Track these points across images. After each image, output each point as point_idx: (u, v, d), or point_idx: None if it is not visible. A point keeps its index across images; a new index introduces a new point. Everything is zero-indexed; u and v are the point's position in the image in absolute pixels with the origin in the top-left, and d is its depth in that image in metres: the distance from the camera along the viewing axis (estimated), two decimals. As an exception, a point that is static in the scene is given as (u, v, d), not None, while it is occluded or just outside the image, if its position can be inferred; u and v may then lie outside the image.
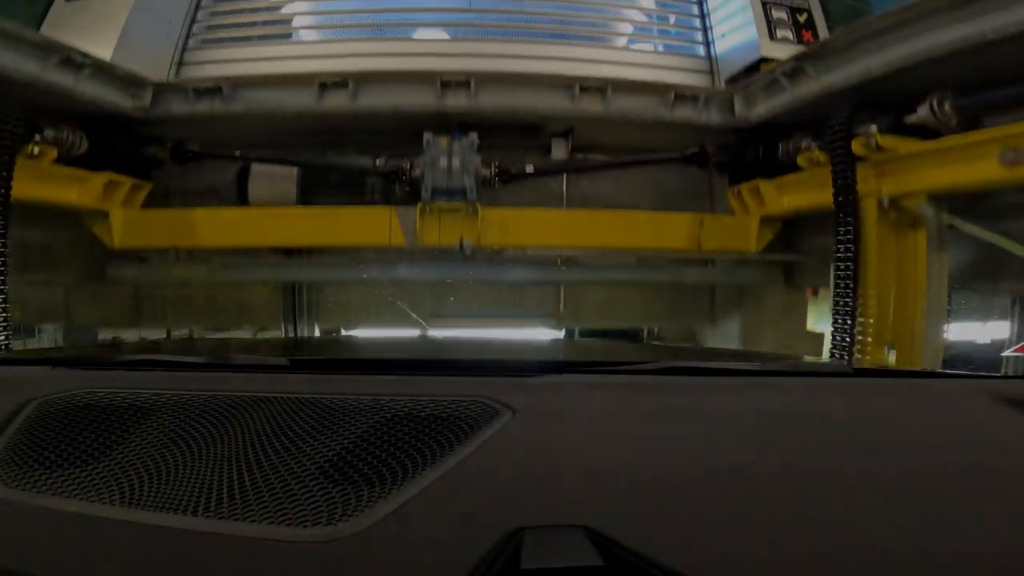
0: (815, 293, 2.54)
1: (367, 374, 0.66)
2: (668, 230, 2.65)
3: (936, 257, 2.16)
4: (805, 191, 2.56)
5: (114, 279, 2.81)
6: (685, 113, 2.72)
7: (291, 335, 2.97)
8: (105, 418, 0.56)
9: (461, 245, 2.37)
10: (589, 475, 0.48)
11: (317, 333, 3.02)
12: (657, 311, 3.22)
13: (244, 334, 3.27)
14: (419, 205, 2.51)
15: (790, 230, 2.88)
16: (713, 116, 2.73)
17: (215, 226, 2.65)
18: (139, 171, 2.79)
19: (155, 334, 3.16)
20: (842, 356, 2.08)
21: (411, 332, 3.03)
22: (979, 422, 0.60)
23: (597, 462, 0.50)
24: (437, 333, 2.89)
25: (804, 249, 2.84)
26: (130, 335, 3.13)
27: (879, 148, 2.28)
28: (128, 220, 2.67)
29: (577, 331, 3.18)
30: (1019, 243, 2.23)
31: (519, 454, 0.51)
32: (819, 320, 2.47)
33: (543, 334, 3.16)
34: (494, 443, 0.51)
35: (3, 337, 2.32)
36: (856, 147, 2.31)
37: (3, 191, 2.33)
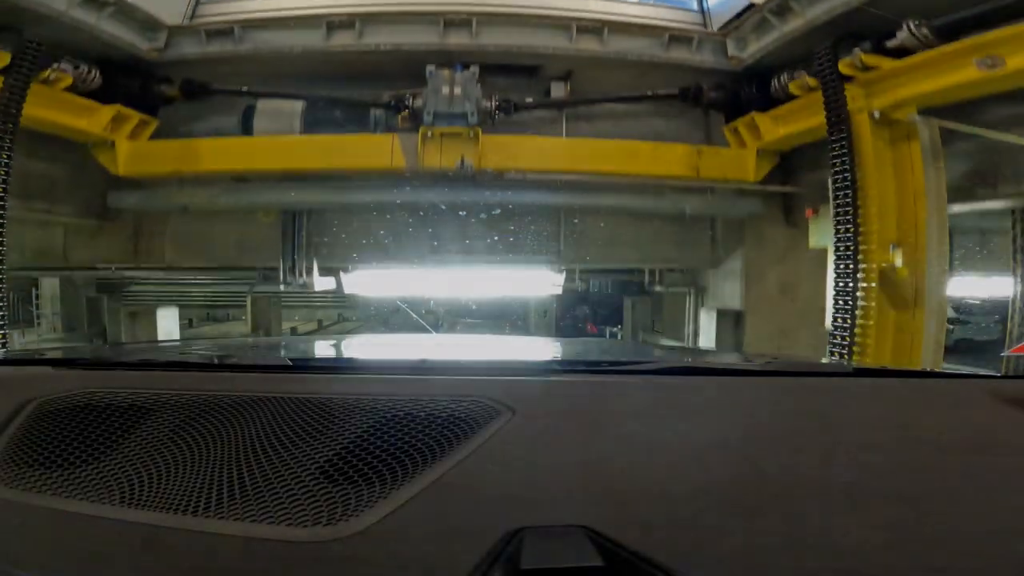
0: (815, 212, 2.62)
1: (367, 374, 0.69)
2: (666, 159, 2.78)
3: (932, 165, 2.28)
4: (799, 118, 2.72)
5: (115, 208, 2.89)
6: (680, 54, 2.91)
7: (289, 273, 3.00)
8: (105, 418, 0.58)
9: (462, 163, 2.48)
10: (589, 475, 0.50)
11: (316, 270, 3.06)
12: (658, 252, 3.29)
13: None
14: (421, 130, 2.63)
15: (787, 167, 3.01)
16: (707, 57, 2.92)
17: (219, 153, 2.78)
18: (148, 109, 2.94)
19: (152, 272, 3.19)
20: (847, 264, 2.14)
21: (410, 271, 3.07)
22: (980, 422, 0.62)
23: (597, 462, 0.52)
24: (439, 288, 2.92)
25: (802, 184, 2.95)
26: (126, 272, 3.17)
27: (865, 67, 2.44)
28: (133, 149, 2.81)
29: (578, 273, 3.22)
30: (1007, 155, 2.34)
31: (519, 454, 0.52)
32: (821, 237, 2.55)
33: (544, 278, 3.20)
34: (494, 443, 0.53)
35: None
36: (843, 67, 2.47)
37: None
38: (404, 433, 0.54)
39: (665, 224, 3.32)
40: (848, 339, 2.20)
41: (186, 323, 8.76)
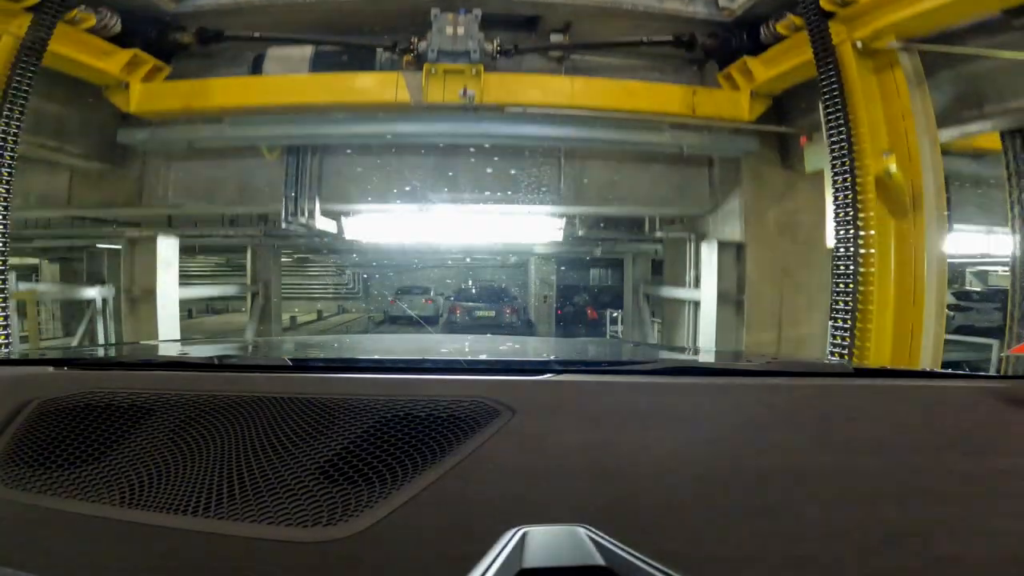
0: (809, 139, 2.77)
1: (367, 374, 0.71)
2: (663, 97, 2.98)
3: (916, 88, 2.44)
4: (788, 57, 2.93)
5: (125, 144, 3.05)
6: (674, 5, 3.13)
7: (291, 213, 3.13)
8: (105, 418, 0.60)
9: (465, 92, 2.65)
10: (589, 475, 0.51)
11: (318, 211, 3.19)
12: (658, 195, 3.43)
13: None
14: (425, 67, 2.81)
15: (780, 111, 3.18)
16: (700, 9, 3.12)
17: (228, 90, 2.97)
18: (162, 58, 3.14)
19: (157, 213, 3.32)
20: (844, 178, 2.27)
21: (411, 215, 3.18)
22: (979, 422, 0.64)
23: (597, 462, 0.53)
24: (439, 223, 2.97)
25: (796, 126, 3.12)
26: (130, 212, 3.30)
27: (844, 2, 2.63)
28: (146, 89, 3.00)
29: (578, 219, 3.35)
30: (988, 79, 2.50)
31: (519, 454, 0.54)
32: (817, 160, 2.69)
33: (543, 224, 3.32)
34: (494, 443, 0.55)
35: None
36: (824, 3, 2.67)
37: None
38: (404, 433, 0.55)
39: (664, 169, 3.49)
40: (851, 250, 2.30)
41: (185, 314, 8.84)
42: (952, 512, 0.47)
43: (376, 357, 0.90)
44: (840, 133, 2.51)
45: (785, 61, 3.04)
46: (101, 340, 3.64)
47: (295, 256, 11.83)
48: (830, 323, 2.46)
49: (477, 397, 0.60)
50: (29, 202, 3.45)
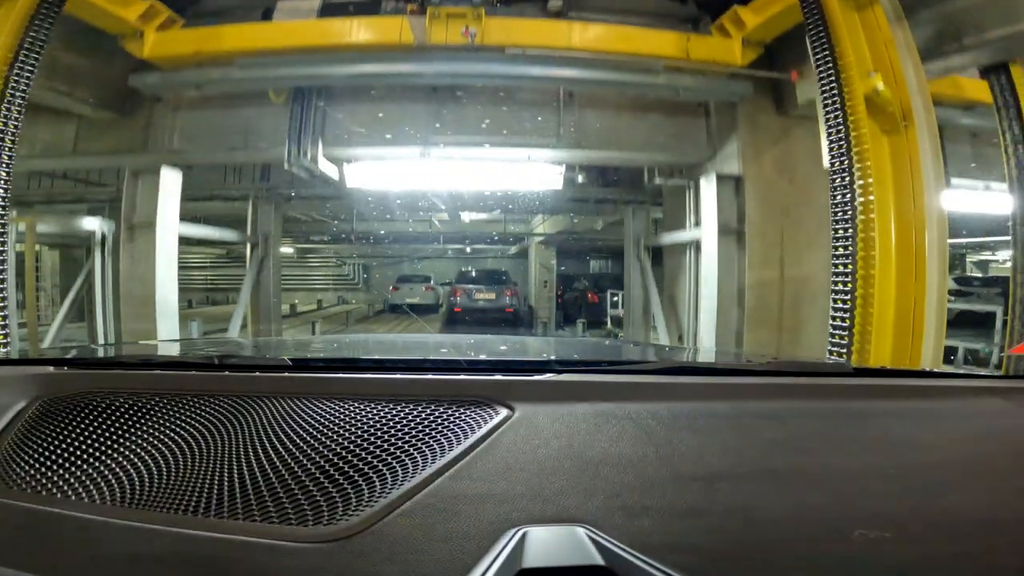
0: (800, 74, 2.90)
1: (367, 374, 0.72)
2: (658, 41, 3.12)
3: (896, 22, 2.57)
4: (776, 1, 3.05)
5: (136, 87, 3.21)
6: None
7: (294, 152, 3.25)
8: (105, 418, 0.61)
9: (466, 31, 2.79)
10: (589, 475, 0.52)
11: (321, 154, 3.31)
12: (656, 142, 3.56)
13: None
14: (429, 10, 2.98)
15: (772, 60, 3.32)
16: (691, -39, 3.31)
17: (238, 35, 3.12)
18: (176, 8, 3.32)
19: (164, 161, 3.44)
20: (831, 90, 2.38)
21: (411, 162, 3.29)
22: (979, 421, 0.65)
23: (597, 462, 0.54)
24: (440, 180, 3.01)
25: (787, 72, 3.27)
26: (134, 160, 3.42)
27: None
28: (160, 37, 3.17)
29: (578, 171, 3.47)
30: (961, 21, 2.63)
31: (519, 454, 0.55)
32: (807, 91, 2.83)
33: (544, 172, 3.44)
34: (494, 443, 0.56)
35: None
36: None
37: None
38: (404, 433, 0.56)
39: (661, 118, 3.66)
40: (846, 164, 2.39)
41: (185, 304, 8.92)
42: (953, 511, 0.48)
43: (376, 357, 0.91)
44: (827, 60, 2.67)
45: (773, 6, 3.21)
46: (98, 281, 3.71)
47: (295, 247, 12.00)
48: (832, 251, 2.51)
49: (477, 397, 0.61)
50: (34, 149, 3.58)
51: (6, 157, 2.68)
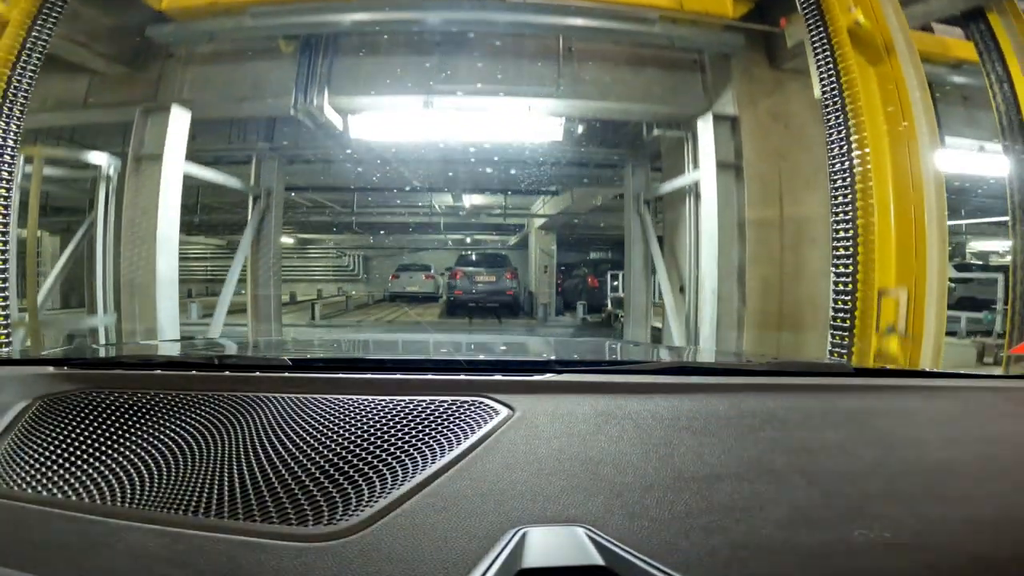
0: (788, 22, 3.06)
1: (367, 374, 0.74)
2: (652, -9, 3.27)
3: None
4: (764, -45, 3.26)
5: (151, 39, 3.37)
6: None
7: (300, 100, 3.38)
8: (105, 418, 0.62)
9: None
10: (589, 475, 0.53)
11: (327, 103, 3.45)
12: (653, 93, 3.70)
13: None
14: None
15: (763, 14, 3.49)
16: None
17: (251, -12, 3.29)
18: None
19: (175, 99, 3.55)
20: (817, 25, 2.51)
21: (414, 112, 3.42)
22: (979, 421, 0.67)
23: (597, 462, 0.55)
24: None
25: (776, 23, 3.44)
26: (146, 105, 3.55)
27: None
28: (175, -10, 3.35)
29: (577, 123, 3.60)
30: None
31: (519, 454, 0.56)
32: (795, 33, 2.97)
33: (543, 121, 3.57)
34: (494, 443, 0.57)
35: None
36: None
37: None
38: (404, 432, 0.58)
39: (658, 72, 3.80)
40: (836, 95, 2.51)
41: (185, 293, 8.96)
42: (953, 511, 0.49)
43: (377, 357, 0.93)
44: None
45: (761, -42, 3.40)
46: (100, 220, 3.81)
47: (297, 236, 12.10)
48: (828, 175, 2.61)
49: (478, 396, 0.63)
50: (46, 104, 3.70)
51: (18, 112, 2.81)
